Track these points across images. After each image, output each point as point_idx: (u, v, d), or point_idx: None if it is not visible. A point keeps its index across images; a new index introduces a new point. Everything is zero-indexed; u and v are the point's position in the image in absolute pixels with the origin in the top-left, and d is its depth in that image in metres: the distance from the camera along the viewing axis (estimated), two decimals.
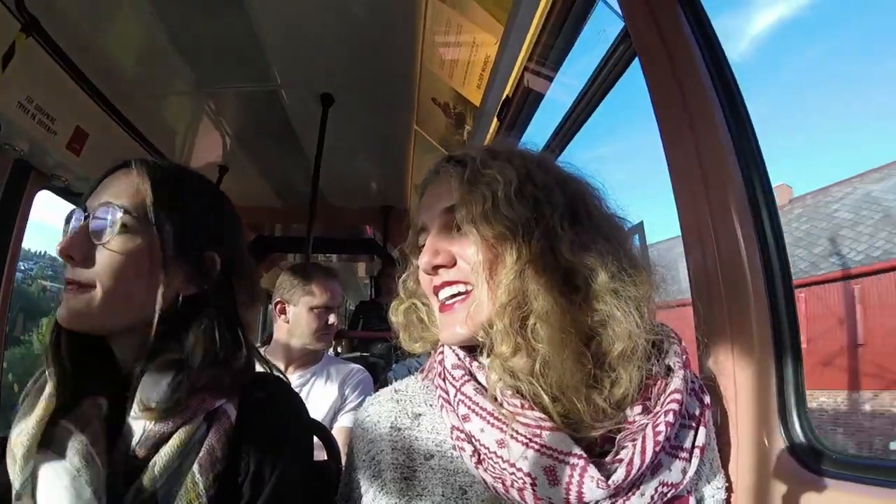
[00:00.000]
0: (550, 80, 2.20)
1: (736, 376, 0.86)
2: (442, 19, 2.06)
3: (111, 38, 2.13)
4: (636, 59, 1.24)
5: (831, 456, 0.74)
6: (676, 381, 0.67)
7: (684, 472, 0.65)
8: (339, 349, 3.86)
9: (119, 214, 0.71)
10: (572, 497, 0.60)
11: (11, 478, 0.66)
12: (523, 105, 2.41)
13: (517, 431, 0.63)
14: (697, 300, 0.97)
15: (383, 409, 0.76)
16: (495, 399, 0.66)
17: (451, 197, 0.72)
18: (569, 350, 0.62)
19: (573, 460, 0.61)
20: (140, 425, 0.68)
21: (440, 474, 0.69)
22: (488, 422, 0.65)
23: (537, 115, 2.50)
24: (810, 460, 0.75)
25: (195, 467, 0.67)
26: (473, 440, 0.65)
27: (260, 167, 3.54)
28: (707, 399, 0.72)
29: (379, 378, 2.47)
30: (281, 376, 0.85)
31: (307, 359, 1.92)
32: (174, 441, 0.67)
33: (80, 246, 0.71)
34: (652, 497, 0.63)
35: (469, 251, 0.68)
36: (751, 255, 0.89)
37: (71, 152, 2.02)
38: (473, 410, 0.66)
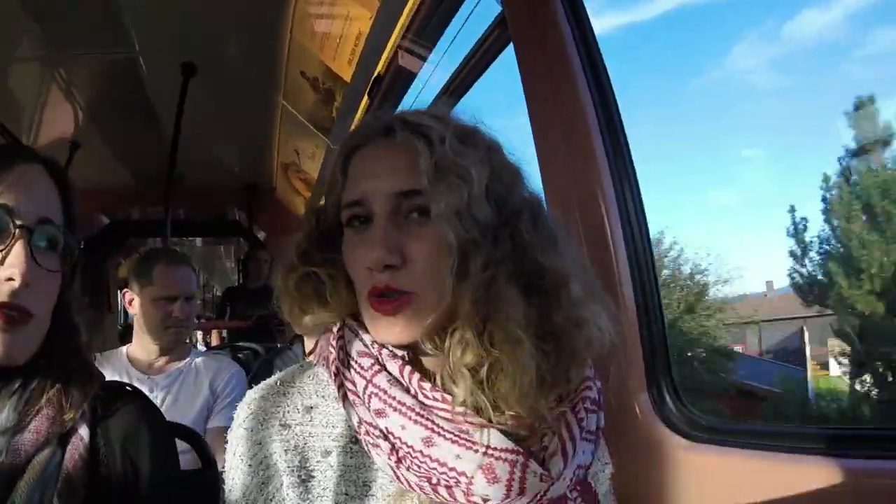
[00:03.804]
0: (424, 58, 2.20)
1: None
2: None
3: None
4: (510, 44, 1.30)
5: (701, 422, 0.82)
6: (587, 371, 0.69)
7: (592, 453, 0.67)
8: (209, 341, 3.59)
9: (61, 238, 0.63)
10: (513, 492, 0.58)
11: None
12: (395, 83, 2.39)
13: (443, 428, 0.59)
14: None
15: (269, 404, 0.67)
16: (408, 391, 0.62)
17: (412, 179, 0.60)
18: (528, 357, 0.59)
19: (510, 456, 0.58)
20: None
21: (339, 471, 0.64)
22: (410, 418, 0.60)
23: (408, 94, 2.50)
24: (681, 428, 0.82)
25: (55, 501, 0.59)
26: (391, 437, 0.60)
27: (115, 144, 3.19)
28: (599, 383, 0.72)
29: (252, 369, 2.36)
30: (128, 385, 0.76)
31: (172, 356, 1.76)
32: (30, 474, 0.58)
33: (32, 273, 0.59)
34: (571, 479, 0.63)
35: (429, 252, 0.60)
36: (614, 231, 0.99)
37: None
38: (390, 405, 0.61)
